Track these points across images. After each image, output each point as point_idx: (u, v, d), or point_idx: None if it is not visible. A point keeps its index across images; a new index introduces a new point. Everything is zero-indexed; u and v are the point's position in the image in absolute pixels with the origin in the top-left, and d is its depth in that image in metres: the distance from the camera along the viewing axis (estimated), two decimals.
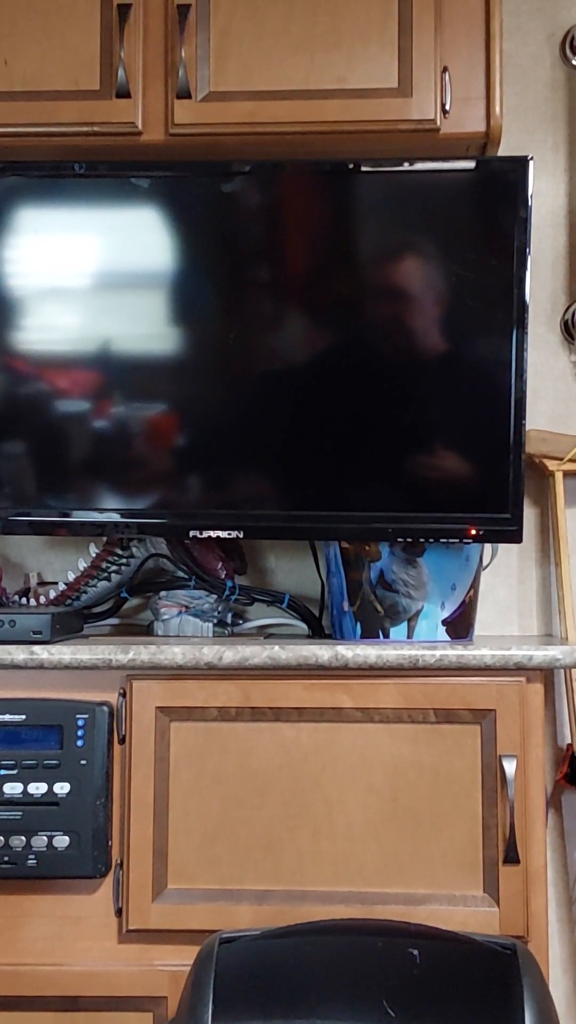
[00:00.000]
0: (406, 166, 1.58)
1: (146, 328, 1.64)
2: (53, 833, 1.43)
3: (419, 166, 1.58)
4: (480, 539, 1.57)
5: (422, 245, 1.60)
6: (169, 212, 1.63)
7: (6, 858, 1.42)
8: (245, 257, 1.64)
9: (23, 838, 1.42)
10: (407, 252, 1.61)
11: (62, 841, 1.42)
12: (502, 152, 1.66)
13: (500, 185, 1.56)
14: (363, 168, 1.58)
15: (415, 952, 1.31)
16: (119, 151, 1.64)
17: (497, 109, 1.59)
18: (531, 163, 1.55)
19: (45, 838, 1.42)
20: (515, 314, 1.55)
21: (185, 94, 1.59)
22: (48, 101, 1.61)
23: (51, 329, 1.65)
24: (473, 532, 1.56)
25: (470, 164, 1.59)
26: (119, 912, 1.44)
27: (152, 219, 1.64)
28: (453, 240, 1.60)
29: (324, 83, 1.59)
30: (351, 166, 1.58)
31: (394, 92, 1.59)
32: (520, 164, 1.55)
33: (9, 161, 1.63)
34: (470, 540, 1.56)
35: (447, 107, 1.59)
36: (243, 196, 1.62)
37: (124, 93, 1.60)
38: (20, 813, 1.43)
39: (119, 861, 1.44)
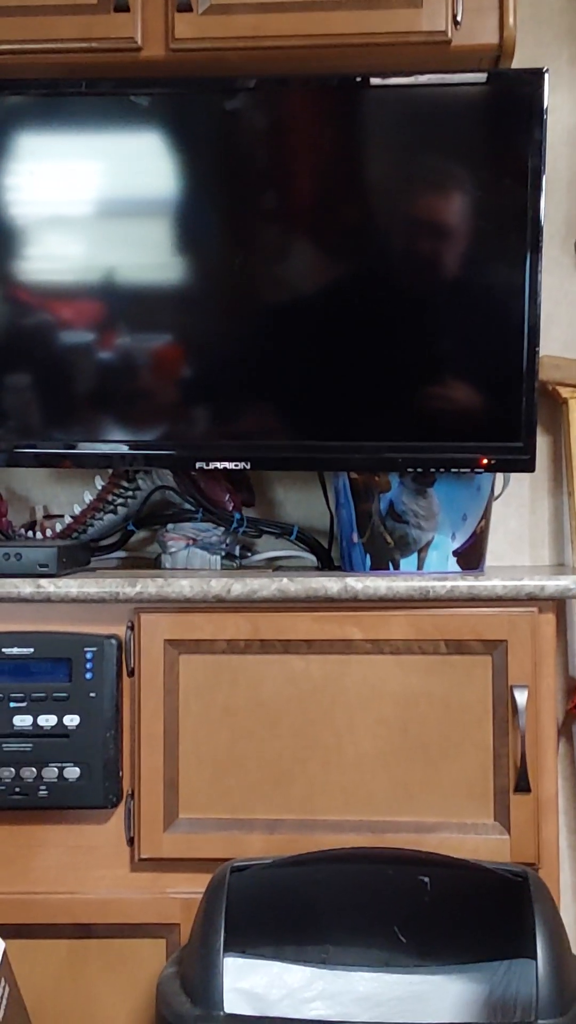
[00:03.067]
0: (416, 79, 1.52)
1: (150, 257, 1.60)
2: (64, 764, 1.43)
3: (429, 78, 1.52)
4: (492, 469, 1.55)
5: (433, 164, 1.55)
6: (171, 133, 1.58)
7: (17, 789, 1.43)
8: (249, 180, 1.59)
9: (34, 769, 1.43)
10: (417, 172, 1.56)
11: (73, 772, 1.43)
12: (515, 66, 1.59)
13: (514, 99, 1.50)
14: (371, 82, 1.52)
15: (426, 880, 1.32)
16: (118, 68, 1.58)
17: (511, 19, 1.53)
18: (547, 75, 1.49)
19: (56, 769, 1.43)
20: (529, 236, 1.51)
21: (186, 7, 1.53)
22: (45, 16, 1.55)
23: (53, 258, 1.61)
24: (484, 462, 1.53)
25: (482, 76, 1.53)
26: (131, 841, 1.45)
27: (153, 141, 1.59)
28: (465, 159, 1.55)
29: None
30: (359, 80, 1.52)
31: (404, 2, 1.52)
32: (535, 76, 1.49)
33: (7, 79, 1.57)
34: (481, 470, 1.54)
35: (459, 18, 1.52)
36: (247, 114, 1.57)
37: (123, 7, 1.54)
38: (31, 745, 1.43)
39: (130, 792, 1.45)
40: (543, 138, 1.49)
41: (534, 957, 1.17)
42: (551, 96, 1.53)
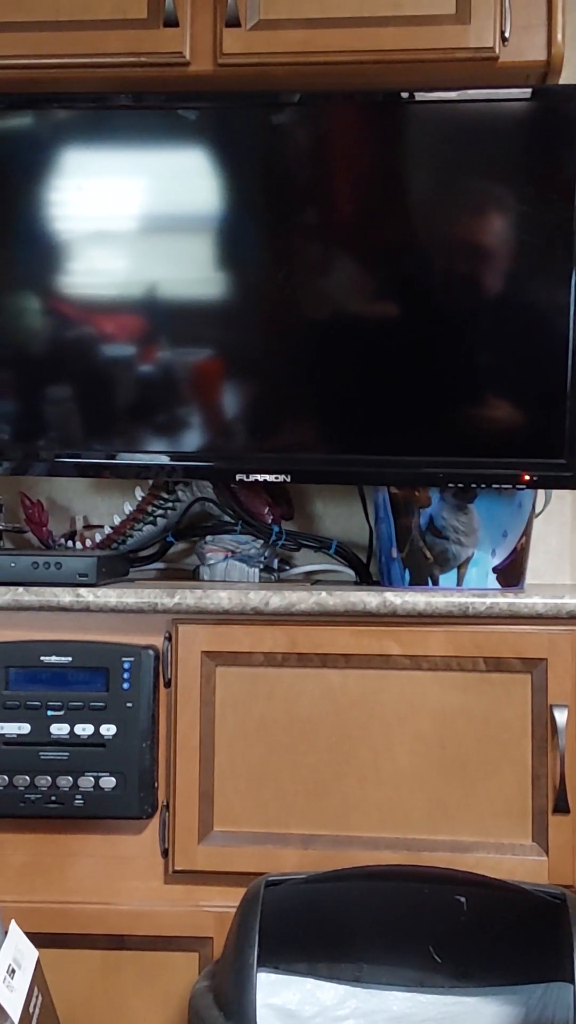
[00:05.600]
0: (462, 94, 1.52)
1: (192, 272, 1.62)
2: (99, 774, 1.43)
3: (474, 94, 1.52)
4: (533, 485, 1.53)
5: (477, 181, 1.55)
6: (217, 147, 1.59)
7: (53, 798, 1.43)
8: (293, 195, 1.60)
9: (70, 778, 1.43)
10: (461, 188, 1.56)
11: (108, 782, 1.43)
12: (563, 83, 1.59)
13: (560, 115, 1.50)
14: (417, 97, 1.52)
15: (462, 899, 1.31)
16: (166, 83, 1.59)
17: (559, 36, 1.53)
18: None
19: (92, 779, 1.43)
20: (574, 252, 1.50)
21: (234, 22, 1.54)
22: (94, 31, 1.57)
23: (97, 273, 1.63)
24: (526, 478, 1.52)
25: (527, 92, 1.53)
26: (165, 853, 1.45)
27: (199, 156, 1.60)
28: (510, 175, 1.54)
29: (379, 10, 1.53)
30: (404, 95, 1.53)
31: (452, 19, 1.53)
32: None
33: (56, 93, 1.59)
34: (523, 486, 1.53)
35: (506, 34, 1.53)
36: (292, 129, 1.58)
37: (172, 22, 1.55)
38: (67, 754, 1.43)
39: (165, 803, 1.45)
40: None
41: (572, 981, 1.15)
42: None
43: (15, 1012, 1.19)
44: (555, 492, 1.70)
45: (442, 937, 1.33)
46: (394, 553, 1.58)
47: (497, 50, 1.53)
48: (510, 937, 1.31)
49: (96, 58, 1.58)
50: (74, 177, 1.62)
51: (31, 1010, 1.24)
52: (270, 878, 1.31)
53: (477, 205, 1.56)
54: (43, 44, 1.58)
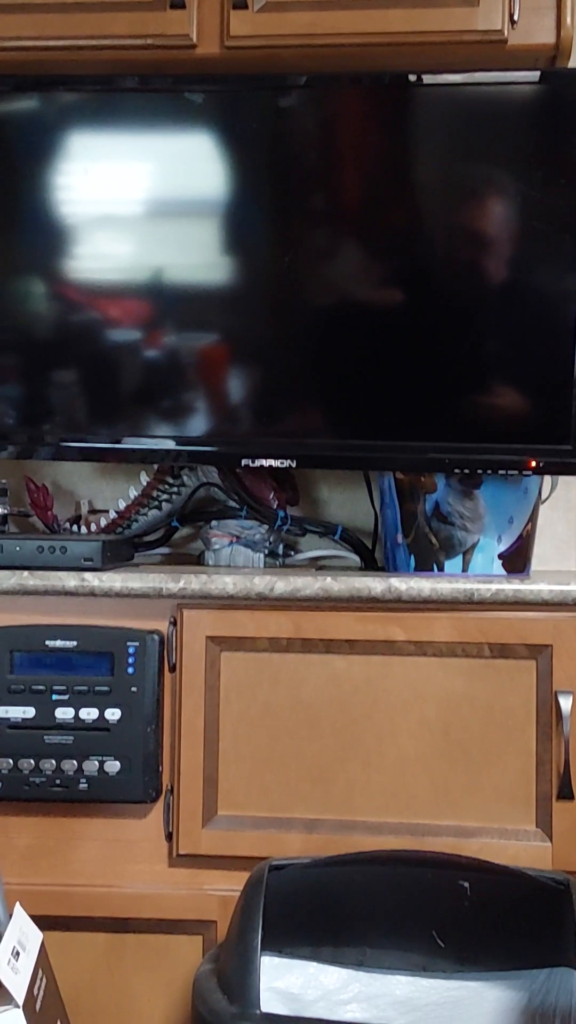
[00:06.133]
0: (470, 77, 1.51)
1: (198, 256, 1.61)
2: (104, 758, 1.43)
3: (482, 77, 1.51)
4: (540, 471, 1.53)
5: (485, 165, 1.54)
6: (223, 130, 1.58)
7: (58, 781, 1.43)
8: (299, 179, 1.59)
9: (75, 762, 1.43)
10: (468, 172, 1.55)
11: (113, 766, 1.43)
12: (572, 66, 1.58)
13: (569, 99, 1.49)
14: (424, 80, 1.51)
15: (466, 884, 1.31)
16: (173, 66, 1.58)
17: (568, 19, 1.51)
18: None
19: (96, 762, 1.43)
20: None
21: (241, 4, 1.53)
22: (100, 13, 1.56)
23: (102, 257, 1.62)
24: (532, 464, 1.52)
25: (536, 75, 1.51)
26: (169, 837, 1.45)
27: (205, 138, 1.60)
28: (518, 159, 1.53)
29: None
30: (412, 78, 1.52)
31: (460, 1, 1.51)
32: None
33: (61, 75, 1.58)
34: (529, 472, 1.52)
35: (515, 17, 1.51)
36: (299, 112, 1.57)
37: (179, 4, 1.54)
38: (72, 737, 1.44)
39: (169, 787, 1.45)
40: None
41: (574, 966, 1.15)
42: None
43: (19, 994, 1.20)
44: (561, 478, 1.70)
45: (445, 922, 1.33)
46: (399, 539, 1.58)
47: (506, 33, 1.52)
48: (513, 922, 1.31)
49: (102, 40, 1.57)
50: (79, 160, 1.61)
51: (35, 992, 1.25)
52: (274, 862, 1.32)
53: (484, 190, 1.55)
54: (49, 26, 1.57)
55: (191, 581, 1.44)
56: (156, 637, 1.45)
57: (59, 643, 1.45)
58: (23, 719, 1.44)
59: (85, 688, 1.44)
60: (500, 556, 1.56)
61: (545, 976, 1.30)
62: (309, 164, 1.59)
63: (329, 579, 1.43)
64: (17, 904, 1.31)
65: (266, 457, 1.57)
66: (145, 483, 1.75)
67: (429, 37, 1.53)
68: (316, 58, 1.56)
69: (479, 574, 1.54)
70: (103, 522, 1.77)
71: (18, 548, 1.48)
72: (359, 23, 1.53)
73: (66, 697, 1.44)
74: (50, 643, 1.45)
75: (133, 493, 1.75)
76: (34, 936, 1.31)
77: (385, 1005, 1.33)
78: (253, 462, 1.58)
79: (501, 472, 1.53)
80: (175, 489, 1.75)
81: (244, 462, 1.59)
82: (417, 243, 1.58)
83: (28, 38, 1.58)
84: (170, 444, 1.61)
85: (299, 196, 1.59)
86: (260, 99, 1.56)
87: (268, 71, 1.57)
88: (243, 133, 1.59)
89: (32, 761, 1.43)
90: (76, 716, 1.44)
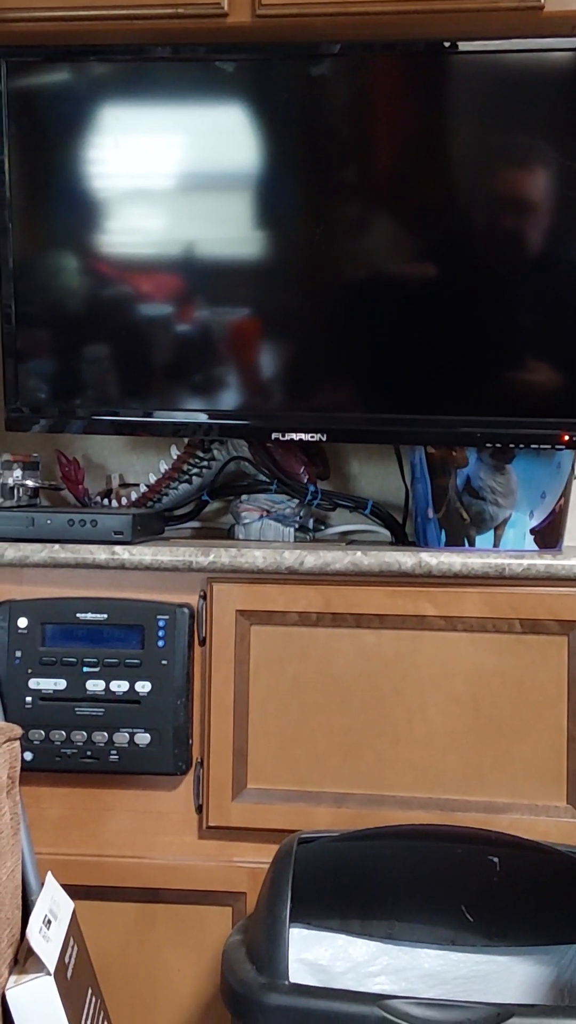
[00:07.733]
0: (504, 44, 1.48)
1: (229, 230, 1.60)
2: (134, 730, 1.44)
3: (518, 44, 1.48)
4: (573, 446, 1.51)
5: (520, 134, 1.52)
6: (254, 101, 1.57)
7: (89, 753, 1.44)
8: (332, 150, 1.57)
9: (105, 734, 1.44)
10: (504, 142, 1.52)
11: (143, 738, 1.44)
12: None
13: None
14: (460, 47, 1.49)
15: (495, 859, 1.31)
16: (204, 35, 1.56)
17: None
18: None
19: (127, 735, 1.44)
20: None
21: None
22: None
23: (134, 231, 1.61)
24: (566, 438, 1.50)
25: (572, 43, 1.48)
26: (199, 809, 1.46)
27: (237, 109, 1.58)
28: (554, 128, 1.50)
29: None
30: (447, 44, 1.49)
31: None
32: None
33: (93, 45, 1.57)
34: (562, 446, 1.51)
35: None
36: (331, 81, 1.55)
37: None
38: (102, 710, 1.45)
39: (199, 759, 1.46)
40: None
41: None
42: None
43: (51, 961, 1.21)
44: None
45: (475, 897, 1.33)
46: (430, 514, 1.57)
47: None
48: (542, 898, 1.31)
49: (133, 10, 1.55)
50: (111, 133, 1.60)
51: (66, 960, 1.26)
52: (303, 835, 1.32)
53: (519, 159, 1.52)
54: None
55: (221, 555, 1.44)
56: (186, 610, 1.45)
57: (90, 616, 1.46)
58: (54, 691, 1.45)
59: (116, 661, 1.45)
60: (532, 531, 1.54)
61: (574, 951, 1.30)
62: (342, 134, 1.57)
63: (359, 553, 1.43)
64: (49, 873, 1.33)
65: (297, 431, 1.57)
66: (176, 457, 1.75)
67: (464, 3, 1.50)
68: (349, 26, 1.53)
69: (510, 549, 1.53)
70: (133, 496, 1.77)
71: (49, 521, 1.49)
72: None
73: (97, 669, 1.45)
74: (81, 616, 1.46)
75: (163, 467, 1.75)
76: (65, 905, 1.33)
77: (413, 978, 1.33)
78: (284, 436, 1.57)
79: (533, 446, 1.51)
80: (205, 463, 1.75)
81: (275, 436, 1.58)
82: (450, 214, 1.56)
83: (58, 8, 1.56)
84: (201, 417, 1.61)
85: (331, 167, 1.57)
86: (292, 68, 1.55)
87: (300, 39, 1.55)
88: (275, 102, 1.57)
89: (63, 732, 1.45)
90: (107, 688, 1.45)
